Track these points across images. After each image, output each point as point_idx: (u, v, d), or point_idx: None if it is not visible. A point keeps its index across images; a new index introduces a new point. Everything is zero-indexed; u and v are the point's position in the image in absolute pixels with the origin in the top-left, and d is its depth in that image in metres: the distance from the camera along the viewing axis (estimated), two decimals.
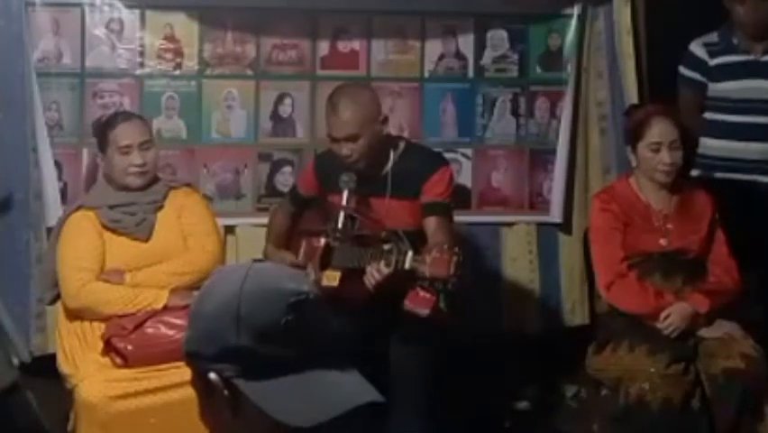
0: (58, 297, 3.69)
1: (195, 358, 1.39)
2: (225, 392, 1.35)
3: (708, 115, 4.30)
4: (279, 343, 1.35)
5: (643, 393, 3.45)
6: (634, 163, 3.73)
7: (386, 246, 3.30)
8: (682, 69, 4.31)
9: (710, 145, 4.27)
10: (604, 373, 3.64)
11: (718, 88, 4.25)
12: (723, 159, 4.26)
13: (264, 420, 1.33)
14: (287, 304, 1.36)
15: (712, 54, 4.25)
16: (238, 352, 1.35)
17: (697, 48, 4.28)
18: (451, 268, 3.12)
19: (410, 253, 3.20)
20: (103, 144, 3.65)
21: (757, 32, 4.19)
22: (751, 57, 4.22)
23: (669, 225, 3.70)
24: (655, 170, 3.66)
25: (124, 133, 3.60)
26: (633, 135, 3.72)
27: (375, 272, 3.28)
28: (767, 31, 4.20)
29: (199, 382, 1.39)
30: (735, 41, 4.23)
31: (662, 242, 3.67)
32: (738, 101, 4.22)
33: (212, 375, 1.36)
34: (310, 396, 1.34)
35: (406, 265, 3.21)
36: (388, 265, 3.24)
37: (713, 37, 4.27)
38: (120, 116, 3.74)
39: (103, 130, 3.68)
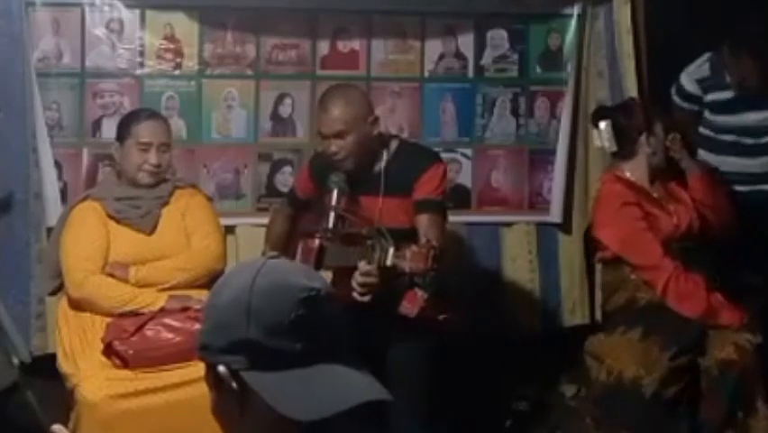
0: (58, 288, 3.71)
1: (206, 351, 1.41)
2: (234, 385, 1.37)
3: (707, 133, 4.30)
4: (288, 337, 1.36)
5: (640, 378, 3.48)
6: (649, 150, 3.77)
7: (368, 243, 3.30)
8: (676, 99, 4.31)
9: (711, 160, 4.27)
10: (606, 353, 3.64)
11: (717, 119, 4.25)
12: (725, 172, 4.26)
13: (271, 414, 1.34)
14: (297, 299, 1.37)
15: (705, 90, 4.24)
16: (247, 345, 1.36)
17: (689, 83, 4.27)
18: (428, 261, 3.12)
19: (391, 250, 3.21)
20: (123, 135, 3.67)
21: (743, 86, 4.15)
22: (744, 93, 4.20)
23: (670, 207, 3.75)
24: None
25: (147, 130, 3.64)
26: (647, 123, 3.79)
27: (359, 278, 3.27)
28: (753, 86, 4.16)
29: (210, 375, 1.40)
30: (727, 78, 4.19)
31: (675, 220, 3.72)
32: (738, 128, 4.22)
33: (221, 368, 1.37)
34: (317, 391, 1.35)
35: (388, 262, 3.21)
36: (369, 263, 3.25)
37: (704, 70, 4.24)
38: (146, 112, 3.77)
39: (126, 122, 3.71)
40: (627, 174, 3.79)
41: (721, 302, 3.63)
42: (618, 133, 3.76)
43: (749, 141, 4.22)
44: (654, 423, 3.52)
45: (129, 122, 3.69)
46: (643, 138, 3.76)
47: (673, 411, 3.52)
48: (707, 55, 4.26)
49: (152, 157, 3.62)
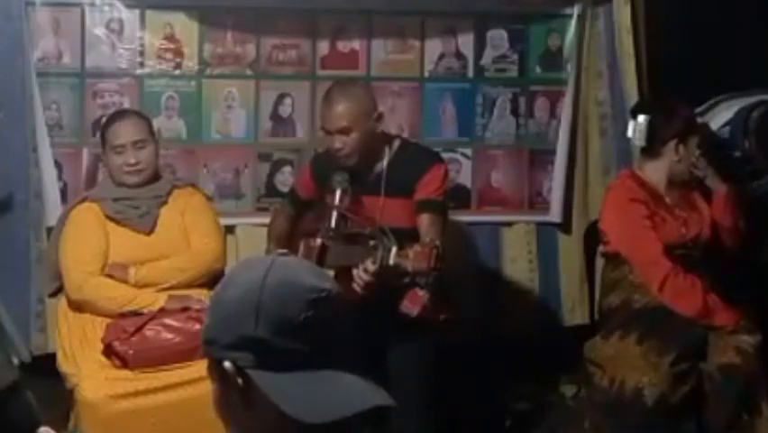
0: (59, 289, 3.71)
1: (211, 345, 1.40)
2: (239, 381, 1.36)
3: None
4: (297, 337, 1.35)
5: (641, 387, 3.47)
6: (676, 157, 3.73)
7: (371, 243, 3.30)
8: None
9: None
10: (606, 361, 3.63)
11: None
12: None
13: (273, 412, 1.33)
14: (307, 300, 1.36)
15: (719, 149, 4.10)
16: (255, 342, 1.35)
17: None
18: (431, 261, 3.12)
19: (394, 249, 3.21)
20: (103, 143, 3.70)
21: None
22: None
23: (683, 214, 3.74)
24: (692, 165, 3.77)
25: (117, 133, 3.64)
26: (684, 131, 3.75)
27: (362, 273, 3.27)
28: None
29: (213, 370, 1.39)
30: (746, 145, 4.08)
31: (683, 230, 3.70)
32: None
33: (226, 364, 1.36)
34: (321, 394, 1.34)
35: (391, 261, 3.21)
36: (373, 262, 3.25)
37: (724, 133, 4.13)
38: (116, 115, 3.78)
39: (102, 129, 3.73)
40: (647, 173, 3.76)
41: (717, 303, 3.61)
42: (652, 131, 3.74)
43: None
44: (657, 429, 3.50)
45: (103, 129, 3.71)
46: (672, 143, 3.71)
47: (676, 417, 3.50)
48: (728, 114, 4.16)
49: (129, 157, 3.62)
